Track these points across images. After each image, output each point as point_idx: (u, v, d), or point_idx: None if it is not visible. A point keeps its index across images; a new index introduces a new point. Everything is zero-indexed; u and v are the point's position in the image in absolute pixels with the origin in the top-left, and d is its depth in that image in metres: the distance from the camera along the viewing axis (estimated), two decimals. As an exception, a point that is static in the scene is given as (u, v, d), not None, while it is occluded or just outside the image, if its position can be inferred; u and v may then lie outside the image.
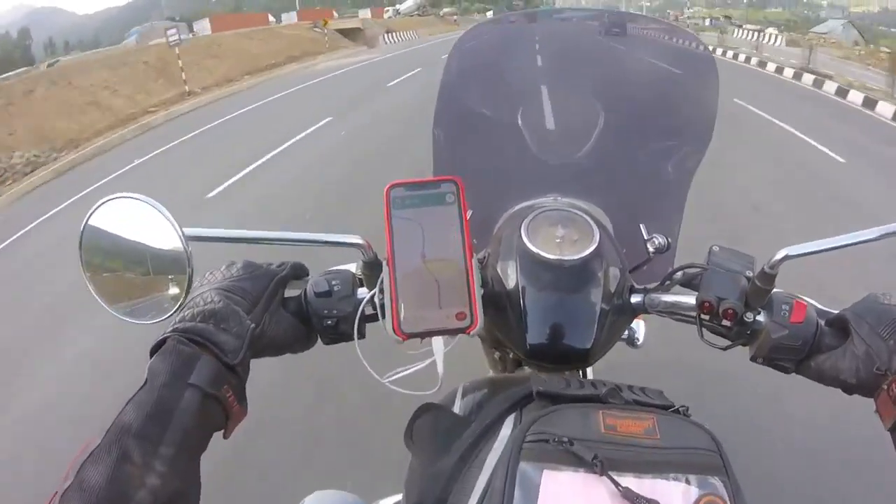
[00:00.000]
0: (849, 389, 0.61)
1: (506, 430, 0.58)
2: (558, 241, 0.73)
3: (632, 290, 0.76)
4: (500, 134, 1.10)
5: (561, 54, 1.17)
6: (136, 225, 0.55)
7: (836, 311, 0.65)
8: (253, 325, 0.58)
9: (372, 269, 0.65)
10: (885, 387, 0.55)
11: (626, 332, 0.88)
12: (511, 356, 0.85)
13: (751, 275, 0.66)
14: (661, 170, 1.02)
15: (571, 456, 0.48)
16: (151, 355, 0.52)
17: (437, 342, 0.59)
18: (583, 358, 0.70)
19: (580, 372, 0.80)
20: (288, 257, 0.70)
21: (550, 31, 1.24)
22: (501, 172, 1.09)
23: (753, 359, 0.67)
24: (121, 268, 0.56)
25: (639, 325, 0.93)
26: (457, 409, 0.68)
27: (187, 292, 0.56)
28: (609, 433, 0.51)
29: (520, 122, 1.05)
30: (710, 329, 0.69)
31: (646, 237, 0.88)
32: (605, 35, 1.23)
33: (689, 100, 1.05)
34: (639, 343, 0.94)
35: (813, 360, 0.63)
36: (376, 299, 0.60)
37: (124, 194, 0.55)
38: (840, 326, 0.63)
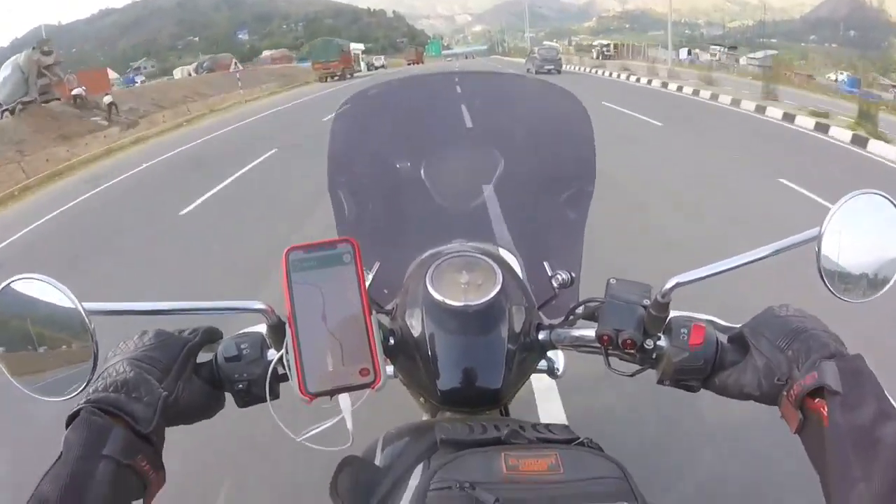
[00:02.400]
0: (755, 400, 0.63)
1: (414, 479, 0.59)
2: (463, 286, 0.76)
3: (539, 328, 0.79)
4: (401, 186, 1.13)
5: (453, 109, 1.23)
6: (40, 303, 0.56)
7: (737, 327, 0.68)
8: (165, 393, 0.59)
9: (277, 331, 0.65)
10: (786, 394, 0.58)
11: (546, 364, 0.92)
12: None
13: (647, 304, 0.68)
14: (557, 210, 1.08)
15: (474, 501, 0.49)
16: (67, 427, 0.53)
17: (345, 399, 0.61)
18: (494, 398, 0.73)
19: (501, 409, 0.85)
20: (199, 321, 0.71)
21: (438, 88, 1.32)
22: (406, 223, 1.12)
23: (660, 381, 0.69)
24: (29, 346, 0.57)
25: (557, 356, 0.93)
26: (377, 459, 0.70)
27: (94, 366, 0.56)
28: (512, 473, 0.53)
29: (421, 172, 1.08)
30: (617, 356, 0.71)
31: (550, 274, 0.91)
32: (492, 92, 1.33)
33: (571, 146, 1.11)
34: (559, 373, 0.95)
35: (717, 377, 0.65)
36: (285, 360, 0.61)
37: (25, 275, 0.56)
38: (741, 341, 0.66)
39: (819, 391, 0.54)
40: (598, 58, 44.15)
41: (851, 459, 0.49)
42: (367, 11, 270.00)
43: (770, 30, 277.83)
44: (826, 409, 0.52)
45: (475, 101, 1.25)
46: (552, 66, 30.30)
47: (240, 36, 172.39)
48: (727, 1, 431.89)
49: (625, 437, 2.43)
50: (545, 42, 74.45)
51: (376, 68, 59.11)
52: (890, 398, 0.51)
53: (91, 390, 0.56)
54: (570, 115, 1.09)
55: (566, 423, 0.64)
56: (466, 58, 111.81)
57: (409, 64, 63.37)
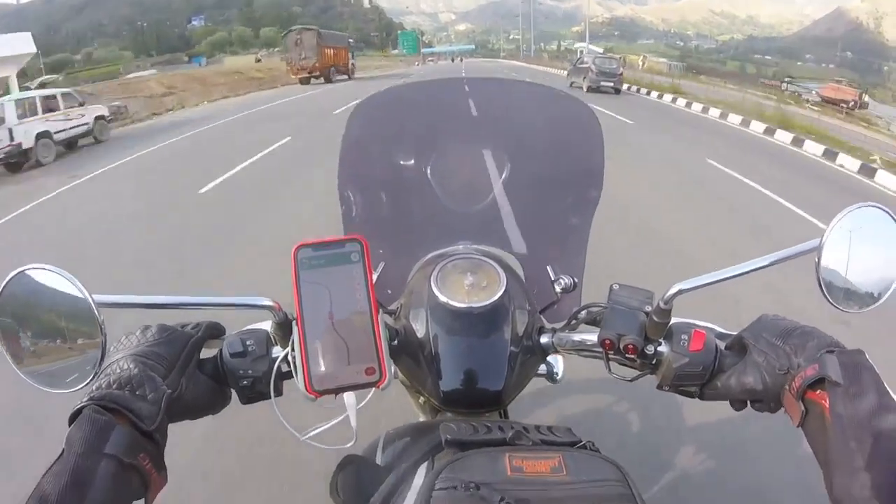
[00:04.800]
0: (755, 399, 0.64)
1: (418, 479, 0.61)
2: (467, 288, 0.77)
3: (541, 331, 0.80)
4: (408, 187, 1.12)
5: (463, 113, 1.21)
6: (51, 293, 0.56)
7: (735, 333, 0.68)
8: (169, 391, 0.58)
9: (283, 328, 0.65)
10: (787, 387, 0.58)
11: (545, 369, 0.92)
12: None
13: (649, 310, 0.68)
14: (562, 215, 1.08)
15: (480, 500, 0.50)
16: (70, 424, 0.52)
17: (350, 397, 0.61)
18: (496, 400, 0.73)
19: (500, 412, 0.82)
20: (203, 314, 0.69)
21: (448, 93, 1.29)
22: (412, 224, 1.12)
23: (659, 387, 0.70)
24: (37, 337, 0.57)
25: (557, 361, 0.94)
26: (378, 459, 0.71)
27: (102, 359, 0.56)
28: (516, 474, 0.53)
29: (428, 174, 1.08)
30: (618, 361, 0.72)
31: (553, 278, 0.94)
32: (505, 96, 1.29)
33: (580, 153, 1.11)
34: (558, 378, 0.95)
35: (717, 380, 0.66)
36: (290, 358, 0.61)
37: (37, 265, 0.56)
38: (739, 346, 0.66)
39: (820, 383, 0.55)
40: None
41: (853, 449, 0.50)
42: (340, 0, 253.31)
43: (762, 45, 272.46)
44: (828, 401, 0.53)
45: (484, 106, 1.24)
46: (612, 83, 20.90)
47: (194, 23, 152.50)
48: (715, 14, 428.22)
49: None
50: (585, 46, 59.08)
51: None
52: (890, 391, 0.52)
53: (94, 387, 0.56)
54: (580, 122, 1.09)
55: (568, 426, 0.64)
56: (453, 60, 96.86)
57: (299, 77, 31.32)
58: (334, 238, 0.60)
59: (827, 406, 0.53)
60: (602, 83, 20.40)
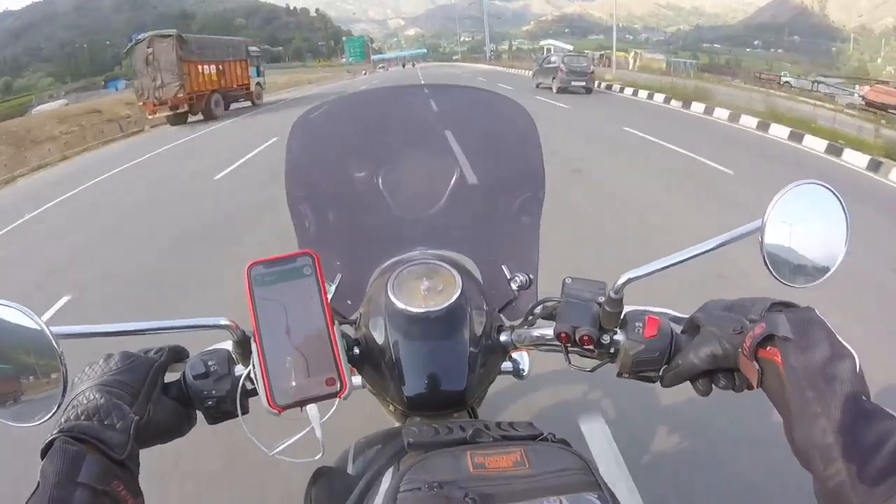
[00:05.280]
0: (715, 368, 0.63)
1: (385, 483, 0.63)
2: (424, 293, 0.78)
3: (500, 330, 0.82)
4: (360, 198, 1.13)
5: (411, 121, 1.22)
6: (8, 328, 0.56)
7: (687, 316, 0.69)
8: (137, 418, 0.59)
9: (243, 346, 0.66)
10: (741, 350, 0.59)
11: (511, 366, 0.94)
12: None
13: (602, 300, 0.70)
14: (513, 215, 1.09)
15: (444, 499, 0.51)
16: (42, 457, 0.53)
17: (313, 409, 0.61)
18: (460, 401, 0.74)
19: (469, 412, 0.82)
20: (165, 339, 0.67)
21: (388, 103, 1.30)
22: (367, 234, 1.12)
23: (619, 374, 0.71)
24: None
25: (522, 357, 0.96)
26: (349, 468, 0.74)
27: (65, 391, 0.56)
28: (479, 471, 0.55)
29: (379, 183, 1.09)
30: (577, 353, 0.73)
31: (509, 277, 0.94)
32: (438, 104, 1.28)
33: (521, 153, 1.13)
34: (524, 374, 0.97)
35: (675, 362, 0.66)
36: (252, 375, 0.62)
37: None
38: (692, 328, 0.67)
39: (771, 340, 0.56)
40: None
41: (810, 397, 0.51)
42: (286, 10, 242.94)
43: (709, 34, 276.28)
44: (780, 356, 0.54)
45: (428, 112, 1.24)
46: (583, 82, 18.64)
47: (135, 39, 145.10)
48: (661, 7, 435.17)
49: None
50: (551, 43, 58.95)
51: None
52: (843, 341, 0.53)
53: (63, 419, 0.56)
54: (517, 123, 1.11)
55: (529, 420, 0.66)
56: (403, 66, 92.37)
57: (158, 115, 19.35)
58: (286, 254, 0.60)
59: (780, 361, 0.54)
60: (573, 83, 18.06)
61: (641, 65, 32.25)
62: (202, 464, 2.47)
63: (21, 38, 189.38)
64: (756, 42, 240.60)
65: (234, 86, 21.59)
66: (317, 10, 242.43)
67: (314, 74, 59.18)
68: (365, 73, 63.32)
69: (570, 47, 37.34)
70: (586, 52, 28.35)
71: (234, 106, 21.80)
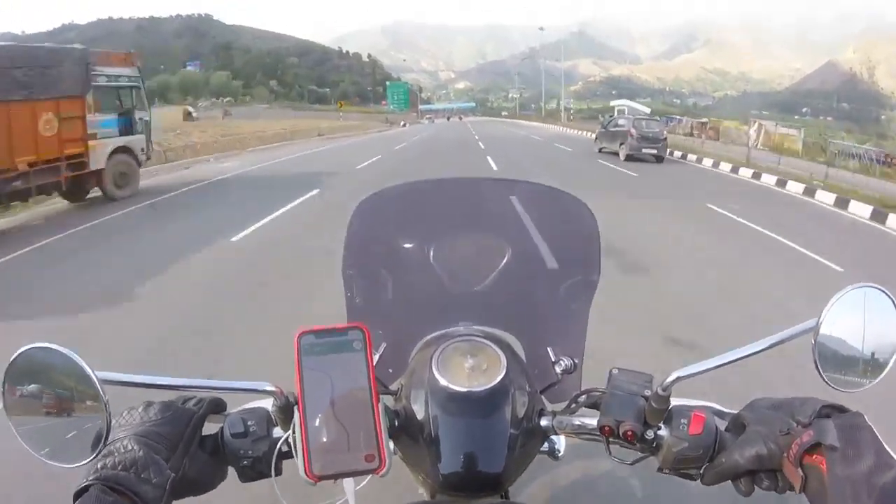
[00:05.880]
0: (758, 468, 0.63)
1: None
2: (468, 371, 0.77)
3: (541, 413, 0.80)
4: (410, 269, 1.16)
5: (466, 205, 1.26)
6: (54, 370, 0.58)
7: (733, 412, 0.69)
8: (173, 475, 0.60)
9: (285, 411, 0.66)
10: (786, 454, 0.58)
11: (547, 446, 0.93)
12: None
13: (648, 394, 0.69)
14: (562, 298, 1.10)
15: None
16: (74, 500, 0.54)
17: (349, 482, 0.62)
18: (495, 483, 0.73)
19: (501, 493, 0.82)
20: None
21: (454, 190, 1.34)
22: (414, 305, 1.14)
23: (660, 470, 0.70)
24: (42, 413, 0.58)
25: (559, 438, 0.94)
26: None
27: (107, 436, 0.57)
28: None
29: (430, 257, 1.12)
30: (618, 444, 0.72)
31: (553, 359, 0.94)
32: (504, 195, 1.31)
33: (577, 241, 1.15)
34: (559, 455, 0.97)
35: (718, 460, 0.65)
36: (290, 440, 0.63)
37: (41, 344, 0.58)
38: (737, 426, 0.66)
39: (818, 447, 0.55)
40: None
41: None
42: (338, 53, 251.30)
43: (757, 100, 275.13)
44: (825, 464, 0.54)
45: (486, 202, 1.29)
46: (655, 150, 17.25)
47: (189, 67, 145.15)
48: (708, 72, 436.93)
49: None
50: (625, 103, 48.78)
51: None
52: (890, 451, 0.53)
53: (100, 465, 0.57)
54: (575, 214, 1.14)
55: None
56: (448, 119, 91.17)
57: None
58: (337, 326, 0.61)
59: (825, 469, 0.54)
60: (644, 149, 16.80)
61: (774, 142, 20.76)
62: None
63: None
64: (804, 109, 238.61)
65: (47, 155, 9.33)
66: (369, 56, 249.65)
67: (333, 122, 46.51)
68: (404, 125, 58.64)
69: (648, 110, 32.55)
70: (657, 116, 26.65)
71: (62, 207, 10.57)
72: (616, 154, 18.04)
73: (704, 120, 30.95)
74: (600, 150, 19.58)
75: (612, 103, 46.09)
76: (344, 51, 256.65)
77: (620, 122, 18.68)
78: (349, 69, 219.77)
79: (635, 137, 16.88)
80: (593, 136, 22.74)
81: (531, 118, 74.68)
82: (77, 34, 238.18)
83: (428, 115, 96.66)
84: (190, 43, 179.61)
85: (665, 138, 17.61)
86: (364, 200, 1.17)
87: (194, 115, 50.31)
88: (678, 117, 36.52)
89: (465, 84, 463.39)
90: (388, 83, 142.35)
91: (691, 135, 26.86)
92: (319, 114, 71.34)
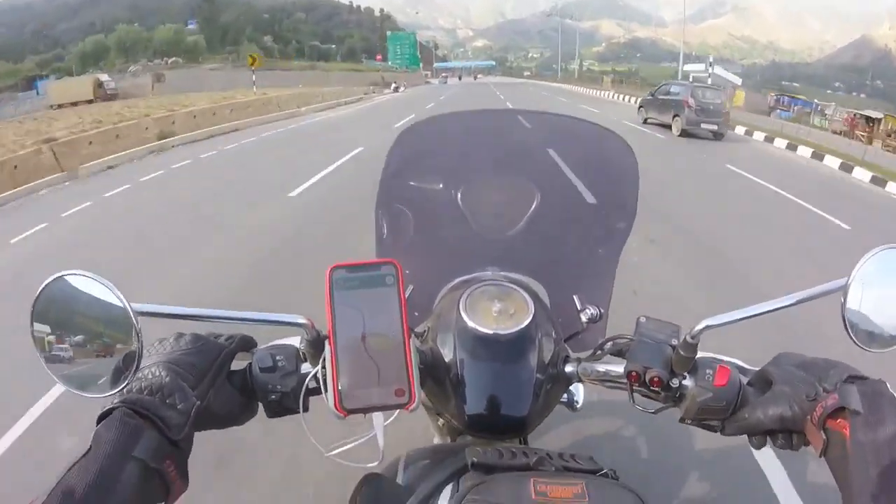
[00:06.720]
0: (779, 429, 0.64)
1: (443, 500, 0.63)
2: (495, 314, 0.78)
3: (566, 360, 0.81)
4: (440, 212, 1.14)
5: (498, 143, 1.24)
6: (87, 300, 0.57)
7: (756, 369, 0.70)
8: (198, 402, 0.60)
9: (315, 346, 0.66)
10: (809, 417, 0.59)
11: (566, 397, 0.94)
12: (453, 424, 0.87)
13: (675, 343, 0.70)
14: (591, 245, 1.10)
15: None
16: (98, 422, 0.54)
17: (378, 417, 0.62)
18: (520, 427, 0.74)
19: (521, 439, 0.83)
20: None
21: (486, 125, 1.33)
22: (442, 248, 1.13)
23: (682, 420, 0.71)
24: (72, 342, 0.58)
25: (577, 389, 0.96)
26: (399, 479, 0.73)
27: (137, 367, 0.57)
28: (540, 499, 0.55)
29: (459, 200, 1.10)
30: (641, 393, 0.73)
31: (579, 308, 0.93)
32: (540, 125, 1.31)
33: (614, 185, 1.12)
34: (578, 406, 0.98)
35: (740, 414, 0.66)
36: (319, 375, 0.63)
37: (75, 271, 0.57)
38: (761, 382, 0.67)
39: (841, 412, 0.56)
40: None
41: (873, 476, 0.51)
42: (348, 7, 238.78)
43: (787, 72, 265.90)
44: (848, 430, 0.54)
45: (521, 133, 1.27)
46: (714, 125, 14.30)
47: (190, 26, 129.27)
48: (736, 38, 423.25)
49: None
50: (697, 70, 35.07)
51: None
52: None
53: (125, 389, 0.57)
54: (615, 153, 1.11)
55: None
56: (460, 78, 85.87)
57: None
58: (369, 261, 0.61)
59: (847, 434, 0.54)
60: (703, 124, 14.03)
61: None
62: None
63: (78, 13, 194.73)
64: (837, 83, 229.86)
65: None
66: (381, 10, 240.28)
67: (298, 89, 30.75)
68: (398, 88, 42.81)
69: (739, 81, 24.70)
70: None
71: None
72: (666, 127, 15.18)
73: (876, 114, 18.94)
74: (645, 121, 16.75)
75: (687, 67, 34.77)
76: (355, 6, 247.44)
77: (674, 89, 15.59)
78: (359, 24, 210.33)
79: (693, 109, 13.96)
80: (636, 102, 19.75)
81: (558, 80, 69.97)
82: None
83: (444, 74, 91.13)
84: (204, 2, 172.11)
85: (727, 111, 14.68)
86: (398, 137, 1.14)
87: (111, 85, 39.44)
88: (815, 102, 23.90)
89: (484, 42, 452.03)
90: (388, 33, 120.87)
91: (847, 134, 18.32)
92: (300, 76, 52.71)
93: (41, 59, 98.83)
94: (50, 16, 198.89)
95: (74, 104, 32.84)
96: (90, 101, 34.03)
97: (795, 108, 22.86)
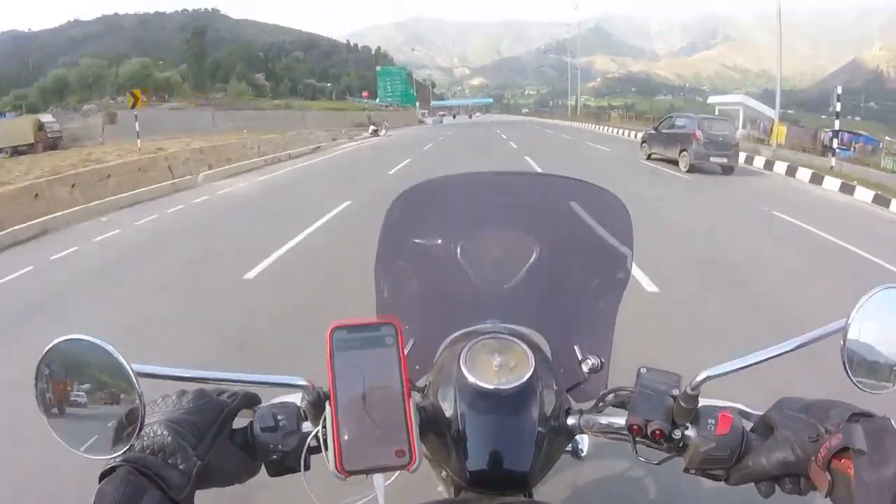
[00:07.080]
0: (785, 475, 0.63)
1: None
2: (496, 368, 0.78)
3: (568, 412, 0.81)
4: (440, 266, 1.15)
5: (497, 200, 1.26)
6: (90, 361, 0.57)
7: (759, 413, 0.69)
8: (199, 462, 0.60)
9: (315, 406, 0.67)
10: (814, 458, 0.58)
11: (570, 445, 0.94)
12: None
13: (676, 394, 0.69)
14: (590, 297, 1.10)
15: None
16: (100, 480, 0.55)
17: (379, 478, 0.62)
18: (522, 482, 0.74)
19: (526, 493, 0.83)
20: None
21: (487, 185, 1.35)
22: (442, 301, 1.14)
23: (686, 470, 0.70)
24: (75, 402, 0.58)
25: (582, 438, 0.96)
26: None
27: (140, 427, 0.57)
28: None
29: (458, 254, 1.11)
30: (644, 444, 0.72)
31: (580, 358, 0.94)
32: (532, 186, 1.34)
33: (609, 239, 1.13)
34: (583, 454, 0.98)
35: (744, 462, 0.66)
36: (320, 435, 0.63)
37: (76, 335, 0.57)
38: (764, 427, 0.67)
39: (846, 452, 0.55)
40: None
41: None
42: (347, 46, 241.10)
43: (783, 99, 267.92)
44: (853, 469, 0.54)
45: (515, 196, 1.28)
46: (724, 158, 13.63)
47: (183, 66, 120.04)
48: (728, 69, 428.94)
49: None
50: (725, 101, 30.47)
51: None
52: None
53: (127, 447, 0.58)
54: (608, 210, 1.13)
55: None
56: (455, 116, 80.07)
57: None
58: (369, 321, 0.61)
59: (852, 474, 0.54)
60: (712, 158, 13.39)
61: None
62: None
63: (80, 47, 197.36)
64: (830, 108, 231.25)
65: None
66: (378, 49, 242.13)
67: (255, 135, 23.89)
68: (377, 131, 33.97)
69: (775, 113, 21.35)
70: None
71: None
72: (672, 162, 14.41)
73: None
74: (649, 157, 16.04)
75: (711, 100, 30.60)
76: (352, 44, 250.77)
77: (680, 122, 14.92)
78: (357, 63, 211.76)
79: (701, 142, 13.27)
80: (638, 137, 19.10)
81: (561, 117, 68.33)
82: (81, 30, 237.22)
83: (441, 112, 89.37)
84: (192, 38, 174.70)
85: (737, 143, 13.94)
86: (399, 196, 1.16)
87: (55, 128, 32.00)
88: (863, 134, 21.65)
89: (481, 80, 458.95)
90: (378, 69, 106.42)
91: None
92: (273, 115, 46.30)
93: (23, 92, 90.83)
94: (52, 47, 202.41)
95: (16, 149, 27.50)
96: (31, 145, 28.18)
97: (857, 145, 19.71)
